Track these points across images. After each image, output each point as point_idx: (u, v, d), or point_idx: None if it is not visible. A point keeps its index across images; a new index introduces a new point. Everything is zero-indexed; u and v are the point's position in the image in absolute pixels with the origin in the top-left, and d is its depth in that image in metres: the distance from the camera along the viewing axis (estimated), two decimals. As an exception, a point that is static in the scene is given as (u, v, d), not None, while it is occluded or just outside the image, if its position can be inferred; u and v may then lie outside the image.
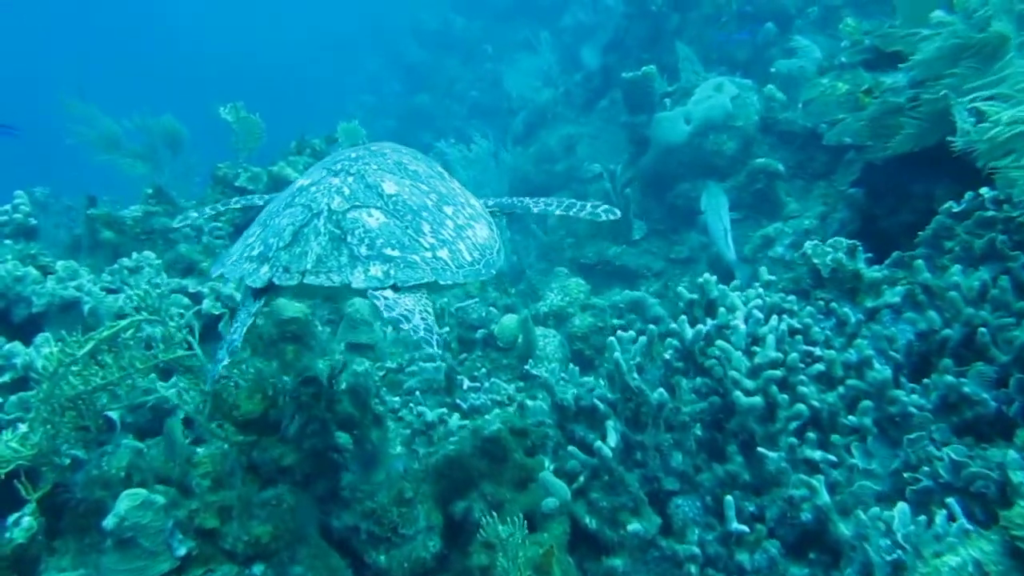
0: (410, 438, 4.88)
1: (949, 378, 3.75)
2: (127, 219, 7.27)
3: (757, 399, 3.83)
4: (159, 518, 3.41)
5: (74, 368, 3.56)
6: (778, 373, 3.88)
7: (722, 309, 4.37)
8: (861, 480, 3.61)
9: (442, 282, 2.98)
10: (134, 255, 6.18)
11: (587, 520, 3.90)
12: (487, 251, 3.25)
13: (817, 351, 4.19)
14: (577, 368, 6.33)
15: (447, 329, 6.65)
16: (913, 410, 3.70)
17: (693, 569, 3.60)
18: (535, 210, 3.81)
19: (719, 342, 4.08)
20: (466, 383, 5.94)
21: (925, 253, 4.73)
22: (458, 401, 5.70)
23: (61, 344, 3.60)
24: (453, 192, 3.50)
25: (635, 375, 4.09)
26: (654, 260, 11.87)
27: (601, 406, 4.14)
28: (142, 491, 3.44)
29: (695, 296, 4.62)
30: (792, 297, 4.57)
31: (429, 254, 3.01)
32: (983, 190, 4.54)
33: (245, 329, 2.94)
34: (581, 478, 4.03)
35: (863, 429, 3.78)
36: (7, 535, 3.58)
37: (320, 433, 3.84)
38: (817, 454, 3.71)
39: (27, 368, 4.55)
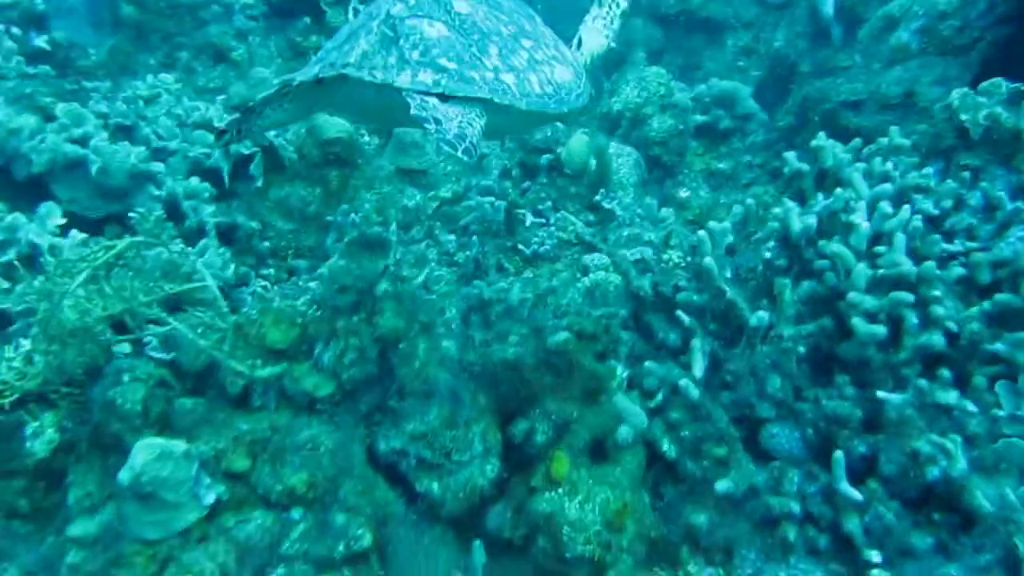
0: (465, 313, 4.36)
1: None
2: (150, -11, 6.42)
3: (879, 328, 3.11)
4: (181, 468, 3.07)
5: (67, 302, 3.06)
6: (908, 297, 3.10)
7: (838, 191, 3.49)
8: (1008, 431, 2.98)
9: (499, 101, 2.69)
10: (149, 79, 5.38)
11: (665, 447, 3.44)
12: (563, 89, 2.92)
13: (957, 245, 3.35)
14: (655, 202, 5.59)
15: (499, 151, 5.86)
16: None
17: (791, 533, 3.15)
18: None
19: (834, 246, 3.26)
20: (529, 218, 5.28)
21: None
22: (520, 245, 5.08)
23: (49, 274, 3.07)
24: (540, 34, 3.09)
25: (728, 284, 3.38)
26: (744, 5, 10.33)
27: (686, 319, 3.48)
28: (158, 441, 3.06)
29: (803, 166, 3.70)
30: (928, 170, 3.59)
31: (491, 75, 2.73)
32: None
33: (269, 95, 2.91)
34: (659, 396, 3.51)
35: (1015, 364, 3.07)
36: (28, 446, 3.35)
37: (359, 362, 3.34)
38: (952, 396, 3.05)
39: (32, 247, 4.07)
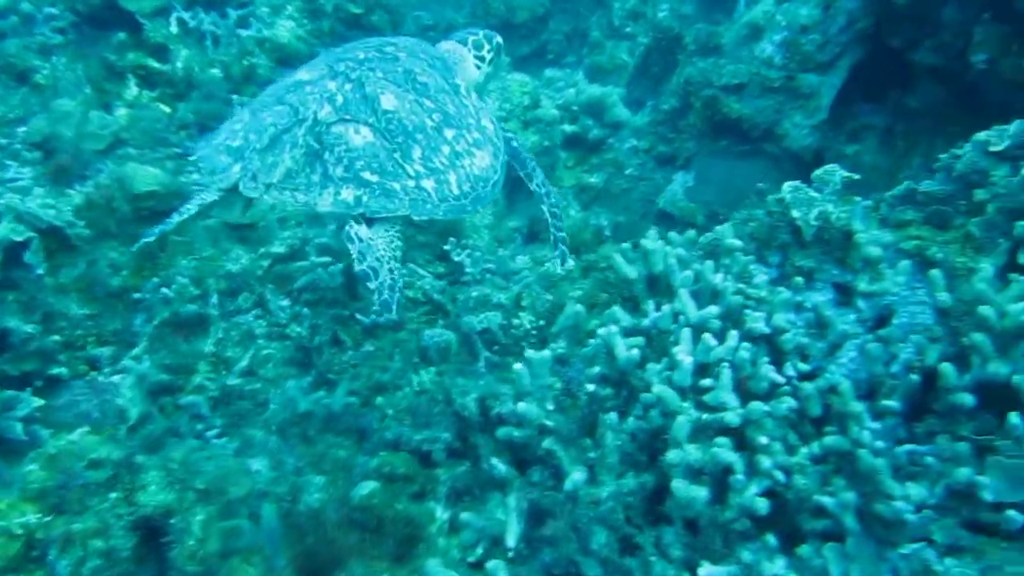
0: (282, 425, 3.91)
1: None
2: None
3: (701, 491, 2.80)
4: None
5: None
6: (730, 456, 2.79)
7: (665, 309, 3.12)
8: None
9: (416, 218, 2.88)
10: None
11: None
12: (481, 183, 3.11)
13: (789, 370, 3.05)
14: (507, 254, 5.16)
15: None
16: (908, 515, 2.69)
17: None
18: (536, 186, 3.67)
19: (657, 387, 2.91)
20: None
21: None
22: (358, 315, 4.61)
23: None
24: (462, 112, 3.24)
25: (552, 417, 3.04)
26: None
27: (502, 468, 3.12)
28: None
29: (634, 272, 3.32)
30: (760, 279, 3.25)
31: (412, 183, 2.90)
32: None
33: (183, 217, 2.92)
34: (479, 549, 3.17)
35: (842, 524, 2.81)
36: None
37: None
38: (778, 565, 2.79)
39: None
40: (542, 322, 4.41)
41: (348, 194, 2.80)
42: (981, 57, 4.41)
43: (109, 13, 6.05)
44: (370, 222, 2.86)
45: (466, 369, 4.01)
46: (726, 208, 7.00)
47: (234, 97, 5.57)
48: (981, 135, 3.34)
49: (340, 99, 2.95)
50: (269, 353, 4.50)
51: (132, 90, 5.64)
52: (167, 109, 5.59)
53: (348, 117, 2.92)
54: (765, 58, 5.80)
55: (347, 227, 2.82)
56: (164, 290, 4.50)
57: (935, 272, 3.14)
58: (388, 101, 2.99)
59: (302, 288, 4.73)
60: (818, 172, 3.54)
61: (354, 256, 2.78)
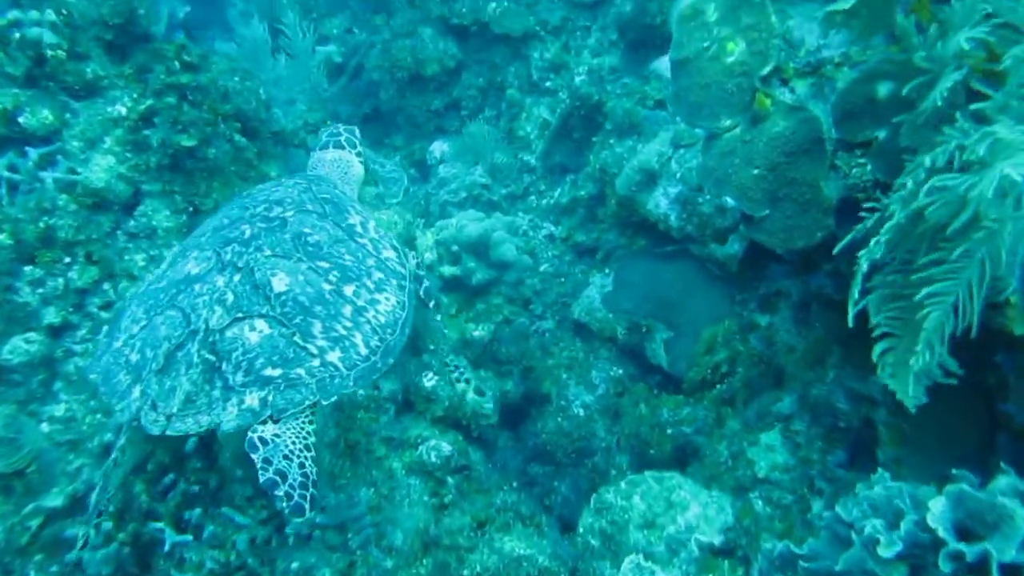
0: None
1: None
2: None
3: None
4: None
5: None
6: None
7: None
8: None
9: (325, 402, 2.87)
10: None
11: None
12: (389, 329, 3.11)
13: None
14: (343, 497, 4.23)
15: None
16: None
17: None
18: None
19: None
20: (170, 538, 3.86)
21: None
22: None
23: None
24: (360, 257, 3.25)
25: None
26: (550, 9, 8.73)
27: None
28: None
29: None
30: None
31: (317, 361, 2.89)
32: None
33: (113, 480, 2.91)
34: None
35: None
36: None
37: None
38: None
39: None
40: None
41: (252, 399, 2.77)
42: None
43: None
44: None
45: None
46: (649, 318, 6.16)
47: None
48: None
49: (230, 297, 2.92)
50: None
51: None
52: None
53: (241, 315, 2.87)
54: (660, 215, 4.87)
55: (249, 434, 2.75)
56: None
57: None
58: (280, 282, 2.98)
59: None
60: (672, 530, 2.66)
61: (258, 466, 2.67)
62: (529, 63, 8.63)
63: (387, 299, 3.19)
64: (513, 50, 8.66)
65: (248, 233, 3.18)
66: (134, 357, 2.95)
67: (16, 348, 4.30)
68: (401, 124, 9.20)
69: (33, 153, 4.91)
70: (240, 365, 2.82)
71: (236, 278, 2.99)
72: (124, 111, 5.18)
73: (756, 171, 3.06)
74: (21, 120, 4.85)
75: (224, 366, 2.82)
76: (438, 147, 8.84)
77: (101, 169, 4.97)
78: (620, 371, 6.40)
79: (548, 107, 8.49)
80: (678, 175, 4.77)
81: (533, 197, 8.13)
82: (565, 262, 7.28)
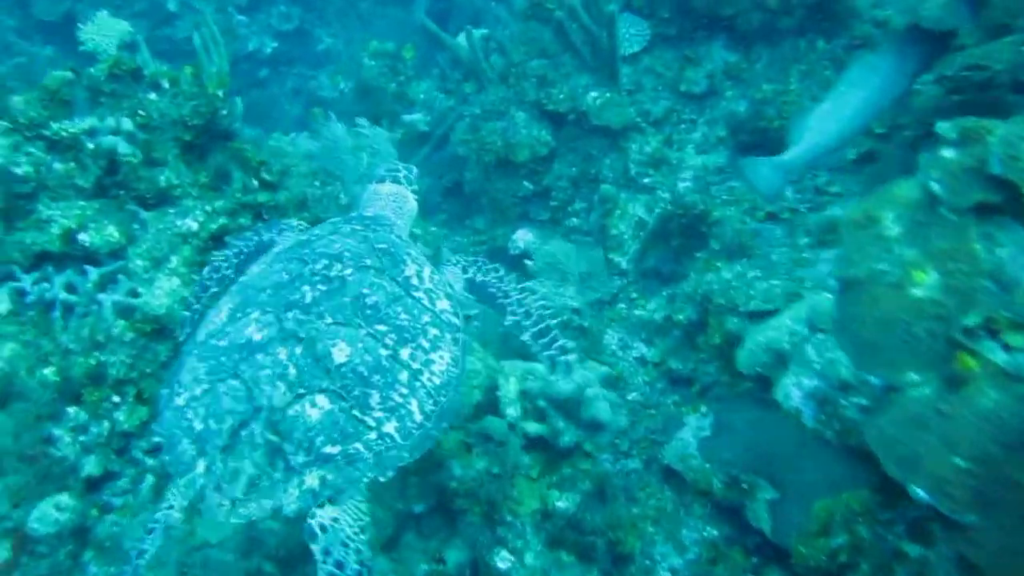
0: None
1: None
2: None
3: None
4: None
5: None
6: None
7: None
8: None
9: (382, 478, 2.90)
10: None
11: None
12: (443, 391, 3.13)
13: None
14: None
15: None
16: None
17: None
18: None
19: None
20: None
21: None
22: None
23: None
24: (416, 314, 3.28)
25: None
26: (653, 99, 8.13)
27: None
28: None
29: None
30: None
31: (374, 434, 2.92)
32: None
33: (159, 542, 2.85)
34: None
35: None
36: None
37: None
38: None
39: None
40: None
41: (312, 479, 2.79)
42: None
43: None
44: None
45: None
46: (751, 474, 5.44)
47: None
48: None
49: (292, 371, 2.93)
50: None
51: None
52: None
53: (303, 391, 2.89)
54: (791, 408, 4.17)
55: (308, 519, 2.74)
56: None
57: None
58: (340, 353, 3.00)
59: None
60: None
61: (318, 558, 2.66)
62: (627, 155, 8.02)
63: (441, 358, 3.19)
64: (610, 141, 8.06)
65: (309, 297, 3.17)
66: (198, 425, 2.93)
67: (45, 516, 3.85)
68: (484, 206, 8.69)
69: (93, 273, 4.49)
70: (301, 445, 2.82)
71: (298, 350, 2.98)
72: (195, 226, 4.75)
73: (960, 461, 2.35)
74: (83, 238, 4.45)
75: (286, 446, 2.81)
76: (522, 236, 8.29)
77: (164, 293, 4.52)
78: (715, 532, 5.69)
79: (645, 205, 7.86)
80: (816, 366, 4.06)
81: (623, 305, 7.48)
82: (657, 391, 6.60)
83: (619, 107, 7.77)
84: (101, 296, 4.46)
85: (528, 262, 7.79)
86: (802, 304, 4.33)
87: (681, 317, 6.50)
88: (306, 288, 3.23)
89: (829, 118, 5.82)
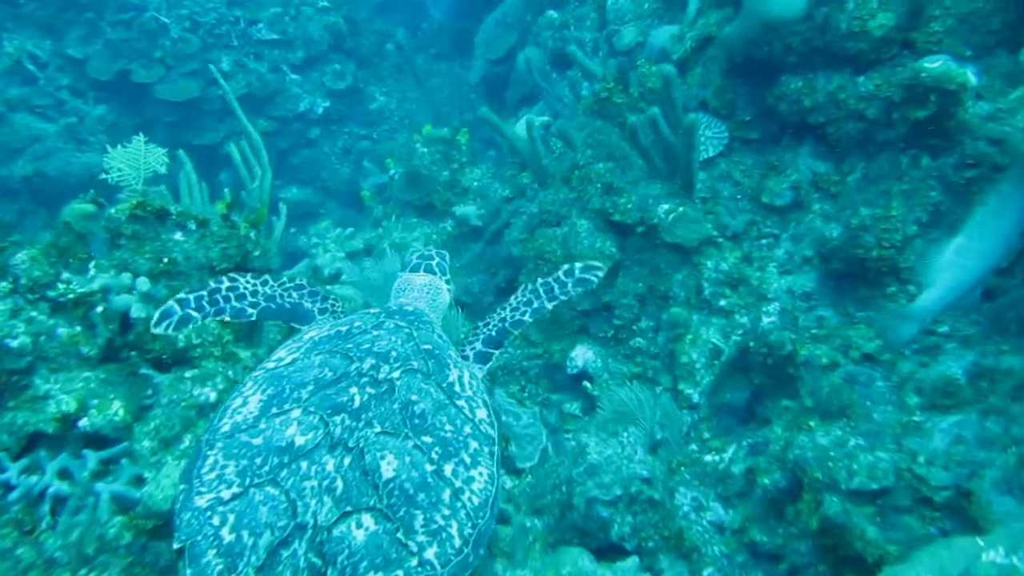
0: None
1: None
2: None
3: None
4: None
5: None
6: None
7: None
8: None
9: None
10: None
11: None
12: (481, 512, 2.87)
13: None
14: None
15: None
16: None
17: None
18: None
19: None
20: None
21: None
22: None
23: None
24: (458, 424, 3.04)
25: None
26: (731, 210, 7.35)
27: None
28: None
29: None
30: None
31: (415, 561, 2.68)
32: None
33: None
34: None
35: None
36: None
37: None
38: None
39: None
40: None
41: None
42: None
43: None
44: None
45: None
46: None
47: None
48: None
49: (340, 485, 2.69)
50: None
51: None
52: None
53: (350, 509, 2.65)
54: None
55: None
56: None
57: None
58: (388, 467, 2.78)
59: None
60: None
61: None
62: (700, 273, 7.23)
63: (480, 475, 2.98)
64: (682, 256, 7.28)
65: (358, 401, 2.93)
66: (227, 536, 2.60)
67: None
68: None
69: (92, 459, 3.84)
70: (344, 571, 2.58)
71: (347, 461, 2.75)
72: (213, 397, 4.09)
73: None
74: (84, 424, 3.81)
75: (329, 571, 2.57)
76: (581, 353, 7.53)
77: (171, 483, 3.84)
78: None
79: (720, 331, 7.05)
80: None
81: (695, 446, 6.63)
82: (736, 565, 5.71)
83: (694, 223, 7.02)
84: (99, 486, 3.80)
85: (589, 389, 7.04)
86: (943, 552, 3.42)
87: (767, 481, 5.63)
88: (354, 391, 2.98)
89: (968, 255, 5.02)
